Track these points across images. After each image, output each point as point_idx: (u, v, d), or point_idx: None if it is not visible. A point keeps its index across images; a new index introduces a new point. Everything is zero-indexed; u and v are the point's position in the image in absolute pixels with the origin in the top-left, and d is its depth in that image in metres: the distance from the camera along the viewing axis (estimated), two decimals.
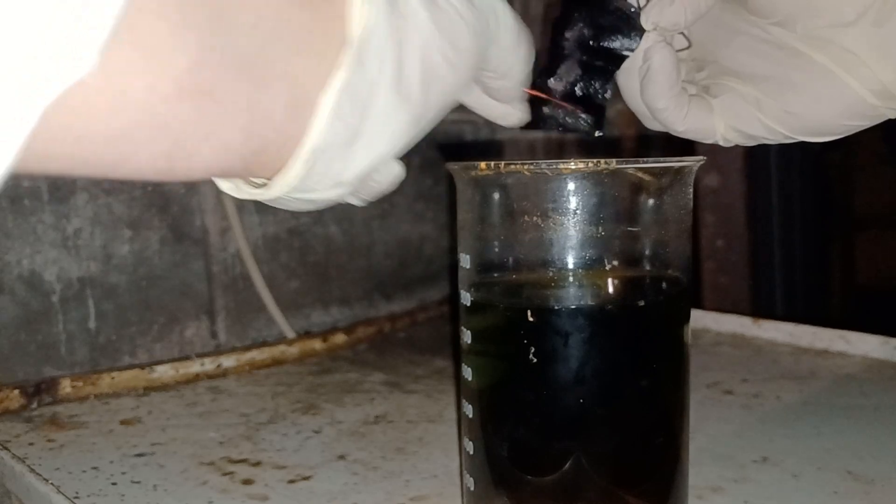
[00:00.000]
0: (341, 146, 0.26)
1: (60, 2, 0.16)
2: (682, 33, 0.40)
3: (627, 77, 0.40)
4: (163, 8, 0.20)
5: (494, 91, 0.36)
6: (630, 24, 0.39)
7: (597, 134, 0.40)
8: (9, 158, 0.16)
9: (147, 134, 0.22)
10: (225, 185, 0.29)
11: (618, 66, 0.40)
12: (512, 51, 0.33)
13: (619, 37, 0.39)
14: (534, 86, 0.40)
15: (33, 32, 0.16)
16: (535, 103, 0.40)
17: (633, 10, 0.39)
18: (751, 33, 0.38)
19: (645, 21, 0.38)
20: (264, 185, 0.28)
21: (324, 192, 0.28)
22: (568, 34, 0.39)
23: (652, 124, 0.41)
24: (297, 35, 0.25)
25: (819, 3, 0.35)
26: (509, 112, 0.38)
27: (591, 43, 0.39)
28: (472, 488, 0.38)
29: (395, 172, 0.30)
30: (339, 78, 0.25)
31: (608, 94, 0.40)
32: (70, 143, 0.21)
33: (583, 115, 0.40)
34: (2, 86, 0.16)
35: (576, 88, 0.39)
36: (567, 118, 0.40)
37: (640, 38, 0.38)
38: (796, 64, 0.37)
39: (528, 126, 0.40)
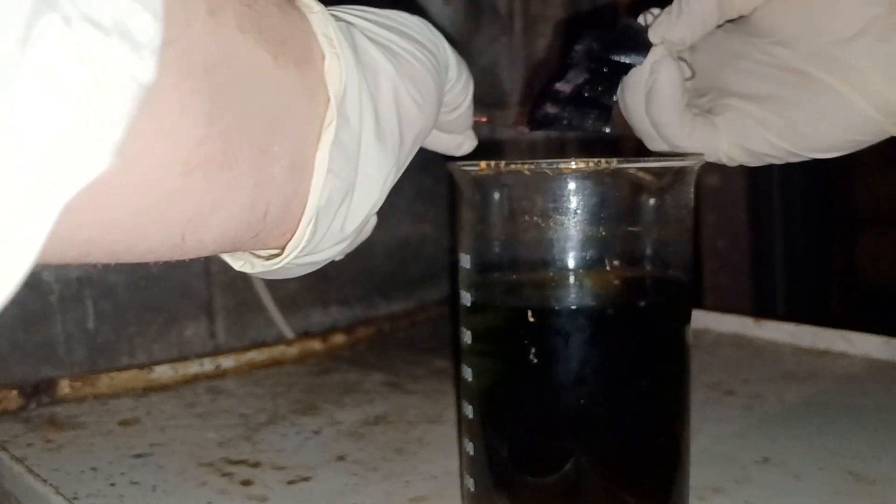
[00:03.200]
0: (340, 201, 0.27)
1: (75, 105, 0.17)
2: (684, 60, 0.41)
3: (633, 94, 0.40)
4: (166, 88, 0.21)
5: (447, 125, 0.38)
6: (638, 40, 0.39)
7: (606, 130, 0.40)
8: (30, 258, 0.17)
9: (161, 212, 0.22)
10: (237, 264, 0.30)
11: (625, 72, 0.40)
12: (460, 85, 0.35)
13: (627, 51, 0.40)
14: (542, 91, 0.40)
15: (51, 137, 0.16)
16: (539, 105, 0.40)
17: (640, 26, 0.40)
18: (753, 57, 0.38)
19: (653, 35, 0.39)
20: (272, 256, 0.29)
21: (326, 252, 0.29)
22: (577, 47, 0.40)
23: (656, 144, 0.41)
24: (291, 101, 0.26)
25: (821, 21, 0.35)
26: (461, 142, 0.40)
27: (599, 55, 0.40)
28: (472, 489, 0.38)
29: (373, 222, 0.33)
30: (328, 135, 0.26)
31: (615, 97, 0.40)
32: (91, 230, 0.21)
33: (590, 113, 0.40)
34: (21, 187, 0.16)
35: (583, 90, 0.40)
36: (574, 116, 0.40)
37: (647, 52, 0.39)
38: (800, 83, 0.37)
39: (536, 127, 0.40)
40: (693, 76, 0.42)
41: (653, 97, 0.39)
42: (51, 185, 0.17)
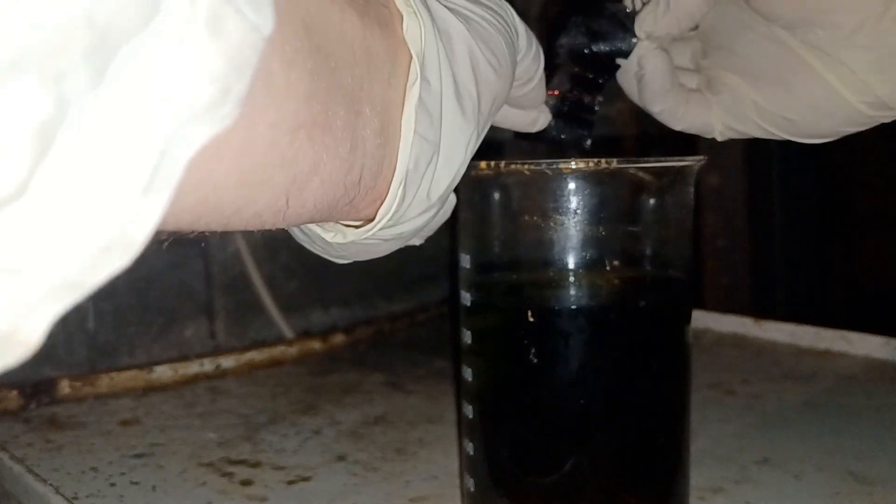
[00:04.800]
0: (426, 165, 0.27)
1: (209, 59, 0.17)
2: None
3: (625, 79, 0.40)
4: (275, 45, 0.21)
5: (520, 99, 0.37)
6: (625, 30, 0.39)
7: (586, 144, 0.40)
8: (159, 213, 0.16)
9: (269, 172, 0.22)
10: (328, 235, 0.29)
11: (611, 76, 0.40)
12: (531, 55, 0.34)
13: (613, 43, 0.39)
14: None
15: (188, 86, 0.16)
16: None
17: (628, 13, 0.39)
18: (759, 30, 0.38)
19: (639, 30, 0.38)
20: (360, 226, 0.28)
21: (413, 221, 0.29)
22: (563, 40, 0.39)
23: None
24: (379, 63, 0.26)
25: (816, 15, 0.35)
26: (536, 117, 0.39)
27: (584, 51, 0.39)
28: (472, 489, 0.38)
29: (453, 202, 0.32)
30: (413, 96, 0.26)
31: (597, 108, 0.40)
32: (204, 190, 0.21)
33: (574, 128, 0.40)
34: (157, 144, 0.16)
35: (565, 104, 0.40)
36: (560, 129, 0.40)
37: (633, 45, 0.39)
38: (797, 70, 0.37)
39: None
40: (696, 28, 0.41)
41: (643, 89, 0.39)
42: (184, 138, 0.16)
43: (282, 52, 0.21)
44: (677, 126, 0.40)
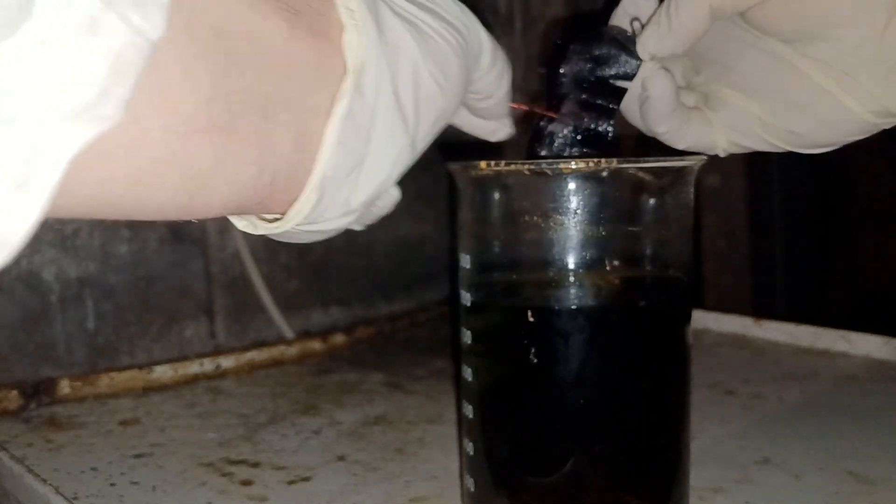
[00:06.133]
0: (347, 173, 0.27)
1: (86, 59, 0.17)
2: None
3: (626, 104, 0.40)
4: (175, 49, 0.21)
5: (481, 111, 0.37)
6: (627, 53, 0.38)
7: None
8: (38, 210, 0.17)
9: (165, 171, 0.23)
10: (241, 224, 0.30)
11: (618, 103, 0.39)
12: (493, 71, 0.34)
13: (617, 67, 0.39)
14: (536, 131, 0.39)
15: (59, 82, 0.17)
16: (537, 147, 0.40)
17: (629, 36, 0.39)
18: (756, 45, 0.38)
19: (641, 51, 0.38)
20: (276, 220, 0.28)
21: (332, 222, 0.29)
22: (565, 69, 0.39)
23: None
24: (302, 71, 0.26)
25: (817, 29, 0.35)
26: (497, 128, 0.39)
27: (589, 78, 0.39)
28: (472, 489, 0.38)
29: (394, 196, 0.32)
30: (341, 106, 0.26)
31: (611, 134, 0.40)
32: (93, 187, 0.21)
33: (589, 150, 0.39)
34: (31, 138, 0.17)
35: (578, 134, 0.39)
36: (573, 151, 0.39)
37: (638, 67, 0.38)
38: (799, 84, 0.37)
39: (538, 149, 0.40)
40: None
41: (647, 111, 0.39)
42: (60, 137, 0.17)
43: (181, 56, 0.21)
44: (680, 145, 0.40)
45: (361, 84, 0.27)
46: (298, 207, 0.27)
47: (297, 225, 0.28)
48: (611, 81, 0.39)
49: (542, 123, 0.40)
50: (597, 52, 0.39)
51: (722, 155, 0.41)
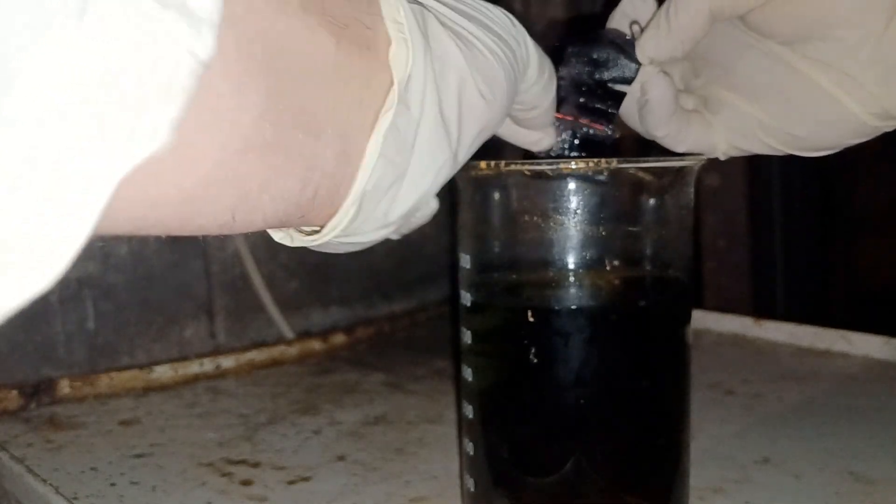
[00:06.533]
0: (388, 187, 0.27)
1: (136, 80, 0.17)
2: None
3: (626, 103, 0.40)
4: (226, 65, 0.21)
5: (525, 121, 0.37)
6: (626, 56, 0.38)
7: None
8: (86, 230, 0.17)
9: (216, 191, 0.22)
10: (277, 235, 0.30)
11: (618, 107, 0.39)
12: (539, 83, 0.34)
13: (616, 70, 0.38)
14: None
15: (109, 106, 0.16)
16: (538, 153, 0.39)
17: (627, 39, 0.38)
18: (756, 47, 0.37)
19: (640, 55, 0.38)
20: (314, 231, 0.28)
21: (370, 234, 0.29)
22: (563, 72, 0.38)
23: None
24: (349, 85, 0.25)
25: (816, 30, 0.35)
26: (541, 138, 0.39)
27: (587, 81, 0.39)
28: (472, 489, 0.38)
29: (433, 207, 0.31)
30: (385, 121, 0.26)
31: (612, 135, 0.39)
32: (144, 208, 0.21)
33: (593, 149, 0.39)
34: (77, 160, 0.16)
35: (576, 138, 0.39)
36: (582, 134, 0.39)
37: (637, 71, 0.38)
38: (800, 86, 0.37)
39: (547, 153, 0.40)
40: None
41: (646, 115, 0.39)
42: (108, 158, 0.17)
43: (233, 74, 0.21)
44: (680, 148, 0.40)
45: (407, 98, 0.26)
46: (336, 221, 0.27)
47: (334, 238, 0.28)
48: (609, 85, 0.39)
49: None
50: (595, 56, 0.38)
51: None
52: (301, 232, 0.29)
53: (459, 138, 0.29)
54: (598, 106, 0.39)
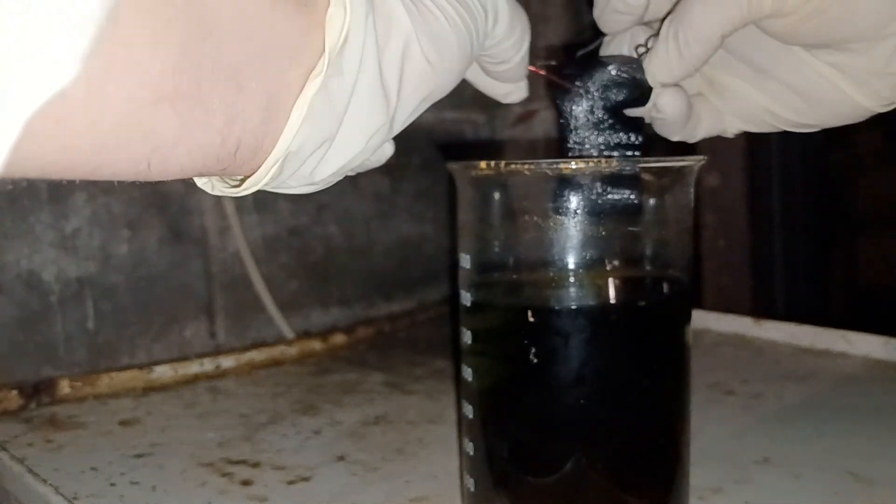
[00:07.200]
0: (314, 149, 0.27)
1: (43, 14, 0.17)
2: None
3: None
4: (143, 16, 0.20)
5: (496, 74, 0.36)
6: (636, 81, 0.37)
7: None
8: None
9: (127, 139, 0.22)
10: (200, 182, 0.29)
11: (639, 135, 0.38)
12: (511, 38, 0.34)
13: (626, 97, 0.38)
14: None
15: (11, 38, 0.16)
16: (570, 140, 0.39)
17: (633, 63, 0.38)
18: (766, 39, 0.37)
19: (652, 80, 0.37)
20: (237, 183, 0.28)
21: (296, 189, 0.28)
22: (575, 110, 0.38)
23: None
24: (279, 43, 0.25)
25: (835, 42, 0.35)
26: (511, 91, 0.38)
27: (600, 115, 0.38)
28: (472, 489, 0.38)
29: (388, 152, 0.31)
30: (314, 84, 0.25)
31: (640, 142, 0.39)
32: (54, 152, 0.21)
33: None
34: None
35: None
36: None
37: (648, 93, 0.37)
38: (811, 78, 0.37)
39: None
40: None
41: (661, 126, 0.39)
42: (16, 92, 0.16)
43: (151, 22, 0.21)
44: (692, 141, 0.40)
45: (341, 62, 0.26)
46: (258, 177, 0.27)
47: (254, 191, 0.27)
48: (626, 114, 0.38)
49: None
50: (604, 87, 0.38)
51: (731, 136, 0.41)
52: (223, 182, 0.29)
53: (399, 104, 0.28)
54: (620, 141, 0.38)
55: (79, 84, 0.19)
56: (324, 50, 0.26)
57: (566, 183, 0.35)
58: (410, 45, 0.28)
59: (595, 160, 0.34)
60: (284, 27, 0.25)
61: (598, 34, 0.39)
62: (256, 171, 0.27)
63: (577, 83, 0.38)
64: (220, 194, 0.29)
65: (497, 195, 0.37)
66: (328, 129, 0.27)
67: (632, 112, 0.38)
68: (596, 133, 0.38)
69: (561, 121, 0.39)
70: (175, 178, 0.26)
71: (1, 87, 0.16)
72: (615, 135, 0.38)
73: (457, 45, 0.29)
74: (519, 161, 0.35)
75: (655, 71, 0.37)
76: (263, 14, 0.24)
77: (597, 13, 0.38)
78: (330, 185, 0.31)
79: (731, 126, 0.41)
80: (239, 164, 0.26)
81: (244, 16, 0.24)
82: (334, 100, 0.26)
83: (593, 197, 0.35)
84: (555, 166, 0.34)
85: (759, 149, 0.99)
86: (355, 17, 0.26)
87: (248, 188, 0.27)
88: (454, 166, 0.37)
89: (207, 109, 0.23)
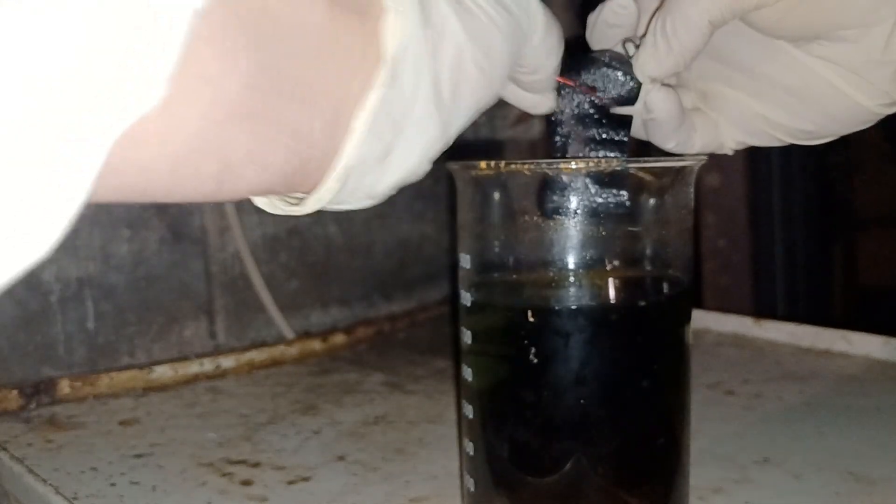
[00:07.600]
0: (375, 163, 0.26)
1: (132, 36, 0.16)
2: None
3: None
4: (213, 33, 0.20)
5: (526, 84, 0.36)
6: (625, 79, 0.37)
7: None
8: (84, 192, 0.16)
9: (199, 159, 0.22)
10: (261, 202, 0.29)
11: (627, 133, 0.38)
12: (543, 48, 0.33)
13: (615, 94, 0.37)
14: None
15: (107, 63, 0.16)
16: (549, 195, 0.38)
17: (625, 60, 0.37)
18: (760, 43, 0.37)
19: (641, 75, 0.37)
20: (298, 201, 0.28)
21: (355, 203, 0.28)
22: (562, 105, 0.37)
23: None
24: (337, 55, 0.25)
25: (825, 31, 0.35)
26: (540, 102, 0.37)
27: (589, 112, 0.38)
28: (472, 489, 0.38)
29: (424, 171, 0.30)
30: (374, 96, 0.25)
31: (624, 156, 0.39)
32: (132, 176, 0.21)
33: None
34: (77, 118, 0.16)
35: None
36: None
37: (638, 90, 0.37)
38: (806, 79, 0.36)
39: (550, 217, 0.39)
40: None
41: (653, 130, 0.38)
42: (104, 116, 0.16)
43: (218, 41, 0.20)
44: (689, 152, 0.39)
45: (398, 73, 0.25)
46: (319, 195, 0.26)
47: (316, 210, 0.27)
48: (613, 111, 0.38)
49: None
50: (592, 83, 0.37)
51: (730, 153, 0.41)
52: (284, 201, 0.29)
53: (453, 113, 0.28)
54: (608, 137, 0.38)
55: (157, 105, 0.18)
56: (380, 59, 0.25)
57: (566, 182, 0.35)
58: (463, 52, 0.27)
59: (595, 160, 0.34)
60: (345, 38, 0.25)
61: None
62: (317, 187, 0.26)
63: (566, 76, 0.37)
64: (281, 213, 0.29)
65: (497, 195, 0.37)
66: (389, 141, 0.26)
67: (621, 111, 0.38)
68: (582, 128, 0.38)
69: (550, 116, 0.38)
70: (242, 198, 0.25)
71: (93, 111, 0.16)
72: (601, 131, 0.38)
73: (506, 53, 0.29)
74: (519, 161, 0.35)
75: (644, 63, 0.36)
76: (324, 25, 0.24)
77: (588, 32, 0.38)
78: (404, 184, 0.30)
79: (729, 139, 0.40)
80: (303, 181, 0.26)
81: (307, 29, 0.23)
82: (394, 112, 0.26)
83: (593, 197, 0.35)
84: (555, 166, 0.34)
85: (759, 149, 0.99)
86: (412, 25, 0.25)
87: (311, 205, 0.27)
88: (454, 166, 0.37)
89: (276, 127, 0.23)
